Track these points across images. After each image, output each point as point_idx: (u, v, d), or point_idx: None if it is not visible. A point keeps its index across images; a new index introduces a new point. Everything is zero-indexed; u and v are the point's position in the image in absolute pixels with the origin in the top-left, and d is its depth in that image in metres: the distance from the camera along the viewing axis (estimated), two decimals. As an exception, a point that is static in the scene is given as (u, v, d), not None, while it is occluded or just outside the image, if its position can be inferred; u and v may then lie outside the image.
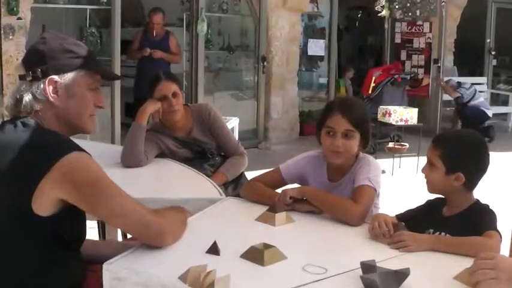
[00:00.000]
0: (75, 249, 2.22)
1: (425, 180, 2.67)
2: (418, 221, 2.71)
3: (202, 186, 3.45)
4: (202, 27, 9.03)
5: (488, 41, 13.59)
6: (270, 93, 10.19)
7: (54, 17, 8.60)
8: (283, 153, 8.81)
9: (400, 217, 2.75)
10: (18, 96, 2.15)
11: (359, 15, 15.45)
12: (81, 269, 2.27)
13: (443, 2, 10.92)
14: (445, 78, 11.25)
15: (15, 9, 6.79)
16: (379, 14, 9.32)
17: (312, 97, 11.93)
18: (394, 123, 8.63)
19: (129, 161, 3.81)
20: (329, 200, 2.83)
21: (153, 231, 2.15)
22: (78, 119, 2.22)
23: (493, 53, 13.58)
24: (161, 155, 4.05)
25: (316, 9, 11.37)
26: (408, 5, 10.86)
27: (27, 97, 2.13)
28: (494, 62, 13.74)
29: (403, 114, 8.63)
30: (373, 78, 10.19)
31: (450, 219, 2.58)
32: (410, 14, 11.11)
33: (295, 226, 2.67)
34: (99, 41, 8.36)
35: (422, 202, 2.83)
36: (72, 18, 9.23)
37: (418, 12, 11.00)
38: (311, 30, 11.61)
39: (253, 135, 10.07)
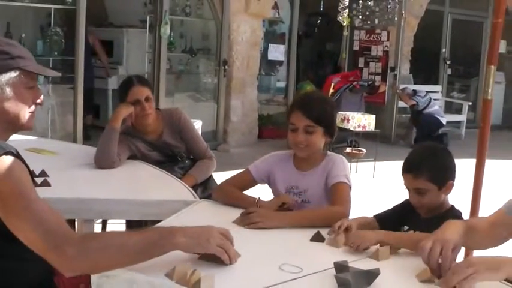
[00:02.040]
0: None
1: (418, 206, 2.78)
2: (394, 218, 2.87)
3: (175, 188, 3.55)
4: (166, 30, 9.08)
5: (443, 50, 13.90)
6: (230, 96, 10.27)
7: (18, 15, 8.55)
8: (242, 155, 8.94)
9: (379, 217, 2.90)
10: None
11: (318, 22, 15.58)
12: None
13: (403, 12, 11.16)
14: (401, 86, 11.48)
15: (-21, 6, 6.78)
16: (339, 18, 9.46)
17: (270, 100, 12.08)
18: (352, 129, 8.82)
19: (103, 162, 3.88)
20: (318, 215, 2.91)
21: (60, 256, 1.94)
22: (17, 118, 2.19)
23: (448, 62, 13.92)
24: (132, 157, 4.13)
25: (277, 15, 11.51)
26: (367, 13, 11.06)
27: None
28: (449, 71, 14.08)
29: (360, 121, 8.83)
30: (332, 84, 10.36)
31: (427, 221, 2.72)
32: (369, 22, 11.31)
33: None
34: (63, 40, 8.36)
35: (397, 202, 2.97)
36: (35, 16, 9.18)
37: (376, 21, 11.21)
38: (271, 36, 11.76)
39: (213, 137, 10.11)
